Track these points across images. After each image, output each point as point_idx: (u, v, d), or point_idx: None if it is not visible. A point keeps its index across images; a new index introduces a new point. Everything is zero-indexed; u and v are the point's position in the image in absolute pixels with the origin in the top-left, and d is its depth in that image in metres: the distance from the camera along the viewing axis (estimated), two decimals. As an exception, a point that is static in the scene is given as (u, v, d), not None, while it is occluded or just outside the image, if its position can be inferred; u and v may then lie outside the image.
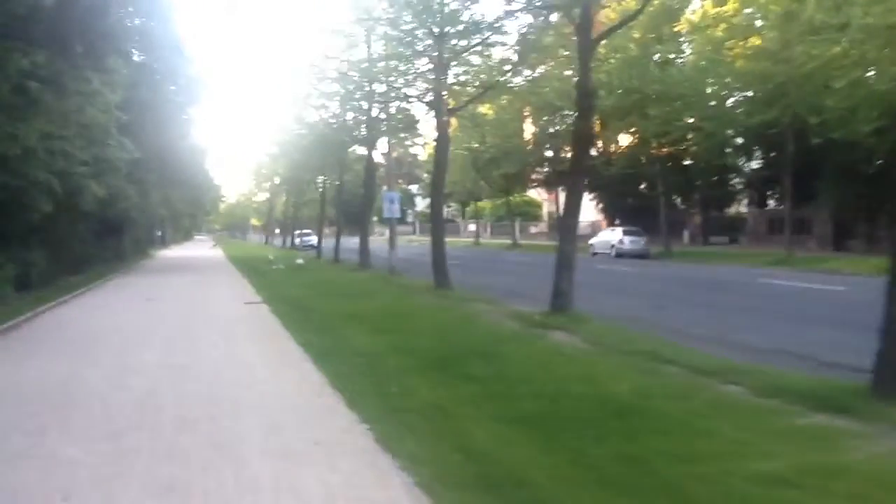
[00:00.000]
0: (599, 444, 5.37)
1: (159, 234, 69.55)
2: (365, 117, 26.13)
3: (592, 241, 37.29)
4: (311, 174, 41.40)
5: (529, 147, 45.83)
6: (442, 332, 10.63)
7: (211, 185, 68.02)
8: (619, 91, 31.46)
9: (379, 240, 70.37)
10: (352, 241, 41.33)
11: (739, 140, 39.22)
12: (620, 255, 33.19)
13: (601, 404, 6.42)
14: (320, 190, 41.44)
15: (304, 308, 14.65)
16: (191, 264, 37.04)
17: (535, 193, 66.30)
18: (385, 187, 31.77)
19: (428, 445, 5.45)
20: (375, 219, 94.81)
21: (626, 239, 33.77)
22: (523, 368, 7.98)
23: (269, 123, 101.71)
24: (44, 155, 15.66)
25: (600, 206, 51.56)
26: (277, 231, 77.02)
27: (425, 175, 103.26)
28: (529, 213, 65.29)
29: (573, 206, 12.00)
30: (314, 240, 55.57)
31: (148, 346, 10.52)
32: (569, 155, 45.65)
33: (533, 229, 65.69)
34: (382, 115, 25.16)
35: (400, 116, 23.16)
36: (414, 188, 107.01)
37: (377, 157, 30.74)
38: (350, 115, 27.87)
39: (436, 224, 18.40)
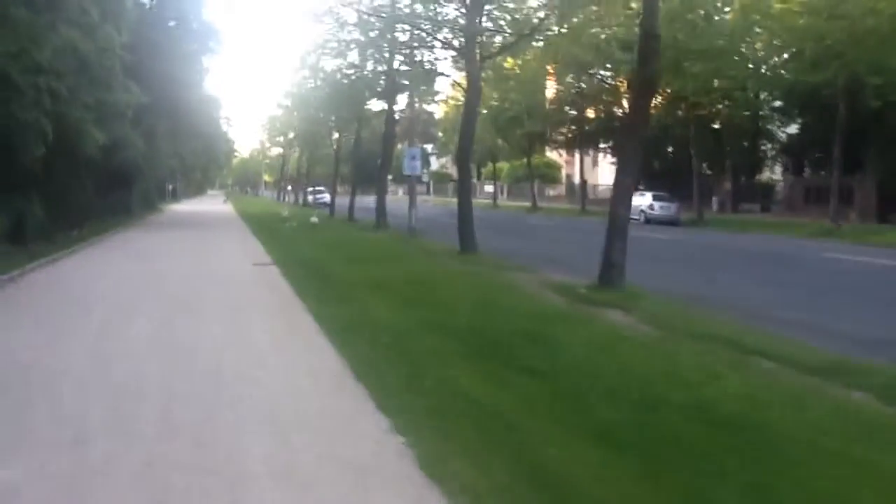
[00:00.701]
0: (721, 480, 3.99)
1: (170, 187, 68.30)
2: (385, 68, 24.50)
3: None
4: (325, 129, 39.77)
5: (552, 106, 43.92)
6: (479, 306, 9.23)
7: (224, 139, 66.56)
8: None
9: (392, 199, 69.08)
10: (364, 200, 39.95)
11: (777, 103, 37.33)
12: (649, 221, 31.53)
13: (701, 414, 5.01)
14: (335, 146, 39.73)
15: (320, 272, 13.28)
16: (200, 220, 35.77)
17: (555, 155, 64.37)
18: (405, 143, 30.27)
19: (490, 473, 4.08)
20: (390, 177, 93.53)
21: (657, 204, 32.02)
22: (587, 358, 6.58)
23: (284, 75, 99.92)
24: (30, 91, 14.19)
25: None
26: (289, 188, 75.61)
27: (440, 134, 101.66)
28: (548, 175, 63.41)
29: (629, 164, 10.51)
30: (327, 197, 54.21)
31: (140, 317, 9.17)
32: (592, 115, 44.05)
33: (551, 192, 63.90)
34: (405, 66, 23.51)
35: (427, 66, 21.46)
36: (429, 147, 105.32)
37: (397, 111, 29.18)
38: (370, 66, 26.22)
39: (463, 184, 16.90)
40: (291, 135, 60.03)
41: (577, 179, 68.67)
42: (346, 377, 6.16)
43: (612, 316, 8.90)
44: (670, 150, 40.79)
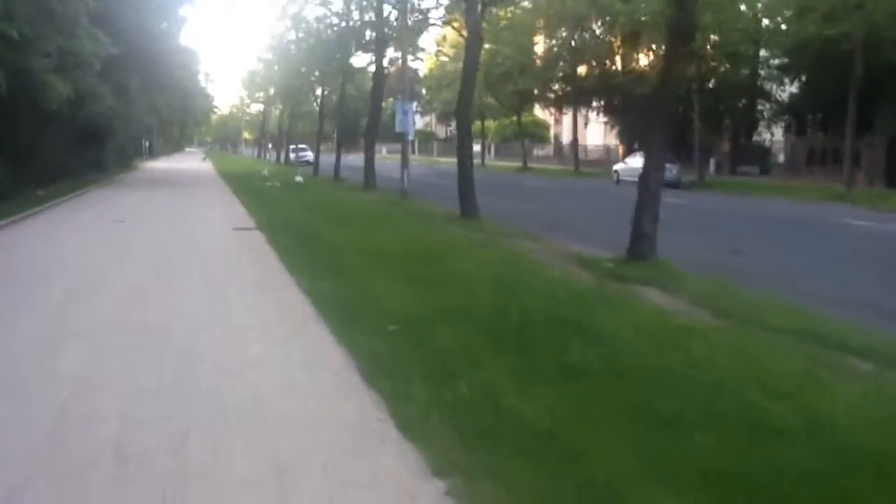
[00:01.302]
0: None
1: (147, 144, 66.14)
2: (373, 16, 22.88)
3: (617, 167, 34.03)
4: (308, 84, 37.93)
5: (544, 63, 42.22)
6: (497, 283, 7.98)
7: (202, 94, 64.22)
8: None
9: (377, 158, 67.34)
10: (348, 159, 38.41)
11: (776, 61, 35.99)
12: None
13: (835, 457, 3.75)
14: (318, 102, 37.90)
15: (308, 238, 11.97)
16: (177, 178, 34.09)
17: (544, 114, 62.80)
18: (391, 100, 28.75)
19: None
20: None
21: None
22: (646, 354, 5.37)
23: (265, 26, 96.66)
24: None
25: (615, 129, 48.32)
26: (270, 146, 73.53)
27: (423, 91, 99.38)
28: (536, 134, 61.84)
29: (663, 122, 9.22)
30: (310, 155, 52.50)
31: (103, 293, 7.86)
32: (584, 72, 42.38)
33: (539, 152, 62.41)
34: (395, 15, 21.91)
35: (417, 15, 19.88)
36: (413, 105, 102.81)
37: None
38: (356, 15, 24.56)
39: (463, 143, 15.54)
40: (272, 91, 57.99)
41: (565, 139, 67.52)
42: (352, 381, 4.90)
43: (654, 297, 7.70)
44: (681, 109, 39.29)
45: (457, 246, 11.15)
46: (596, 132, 62.03)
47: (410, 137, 29.36)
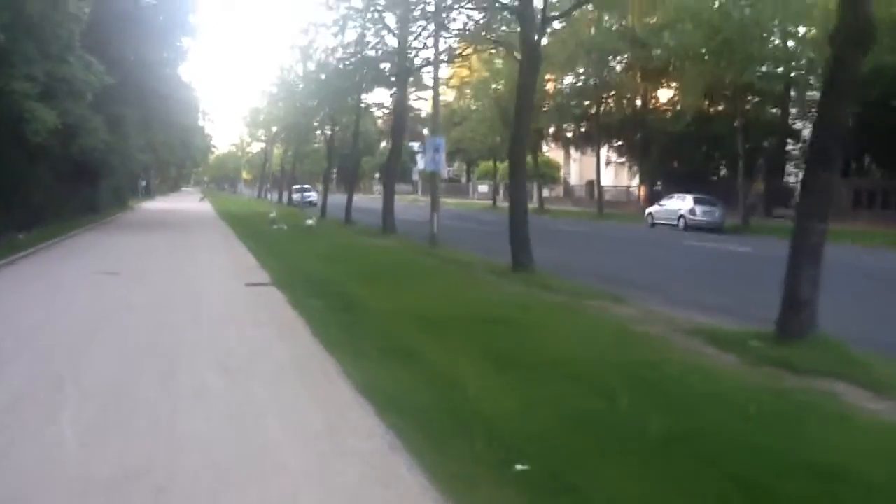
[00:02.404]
0: None
1: (143, 183, 64.08)
2: (396, 45, 20.89)
3: (652, 209, 31.86)
4: (316, 120, 35.88)
5: (566, 100, 40.30)
6: (628, 376, 5.69)
7: (201, 133, 62.34)
8: (688, 27, 26.36)
9: (373, 199, 65.03)
10: (339, 199, 36.23)
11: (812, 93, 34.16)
12: (690, 227, 28.06)
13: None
14: (325, 140, 35.72)
15: (338, 299, 9.69)
16: (176, 220, 31.85)
17: (554, 153, 61.01)
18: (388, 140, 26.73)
19: None
20: (377, 175, 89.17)
21: (699, 208, 28.34)
22: None
23: (270, 63, 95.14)
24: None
25: (631, 169, 46.37)
26: (267, 185, 71.47)
27: (425, 131, 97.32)
28: (547, 174, 59.84)
29: (829, 158, 6.98)
30: (314, 196, 50.52)
31: (74, 393, 5.51)
32: (605, 109, 40.24)
33: (547, 192, 60.42)
34: (420, 42, 19.91)
35: (455, 36, 17.79)
36: (415, 145, 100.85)
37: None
38: (372, 41, 22.58)
39: (517, 182, 13.18)
40: (274, 129, 56.22)
41: (573, 180, 65.60)
42: None
43: (867, 402, 5.40)
44: (704, 148, 37.48)
45: (530, 310, 8.86)
46: (606, 173, 60.08)
47: (415, 178, 27.56)
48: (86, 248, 17.32)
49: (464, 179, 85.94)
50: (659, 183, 41.05)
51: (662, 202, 30.55)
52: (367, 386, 5.58)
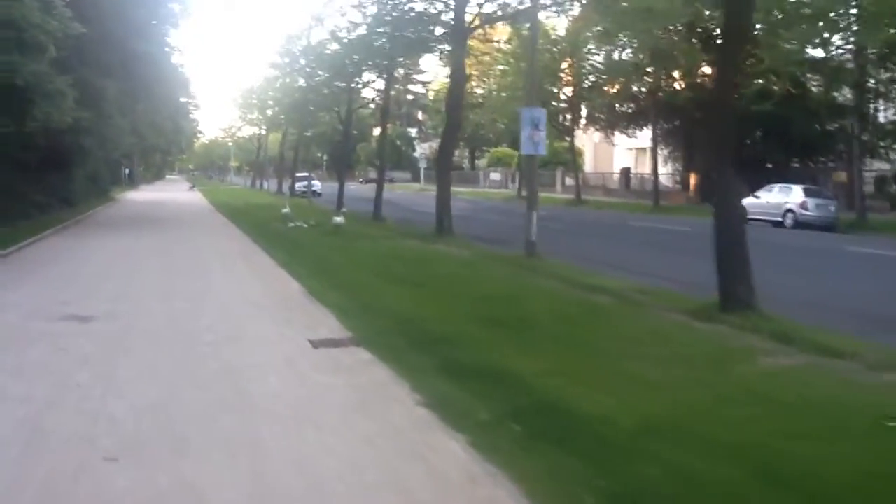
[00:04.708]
0: None
1: (127, 171, 58.84)
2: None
3: (744, 202, 26.83)
4: (329, 98, 30.74)
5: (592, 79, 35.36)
6: None
7: (187, 117, 57.10)
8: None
9: (368, 188, 59.85)
10: (349, 189, 31.52)
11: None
12: (800, 224, 23.35)
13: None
14: (340, 117, 30.45)
15: (512, 392, 5.11)
16: (169, 215, 26.89)
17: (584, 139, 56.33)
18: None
19: None
20: (377, 163, 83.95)
21: (811, 202, 23.34)
22: None
23: (273, 33, 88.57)
24: None
25: (670, 153, 41.53)
26: (262, 174, 66.17)
27: (420, 116, 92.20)
28: (569, 161, 54.97)
29: None
30: (317, 185, 45.65)
31: None
32: (670, 86, 35.05)
33: (569, 181, 55.70)
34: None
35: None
36: (412, 131, 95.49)
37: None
38: None
39: (725, 183, 8.51)
40: (272, 110, 51.11)
41: (587, 167, 60.84)
42: None
43: None
44: (759, 133, 32.80)
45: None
46: (625, 159, 55.38)
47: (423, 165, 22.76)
48: (50, 263, 12.46)
49: (466, 166, 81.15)
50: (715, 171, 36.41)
51: (758, 194, 25.66)
52: None
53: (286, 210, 21.51)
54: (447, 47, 18.57)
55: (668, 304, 8.62)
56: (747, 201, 25.96)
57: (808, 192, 23.80)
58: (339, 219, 18.71)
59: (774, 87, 28.56)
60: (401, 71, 53.77)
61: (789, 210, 23.84)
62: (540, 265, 12.05)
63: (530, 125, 12.86)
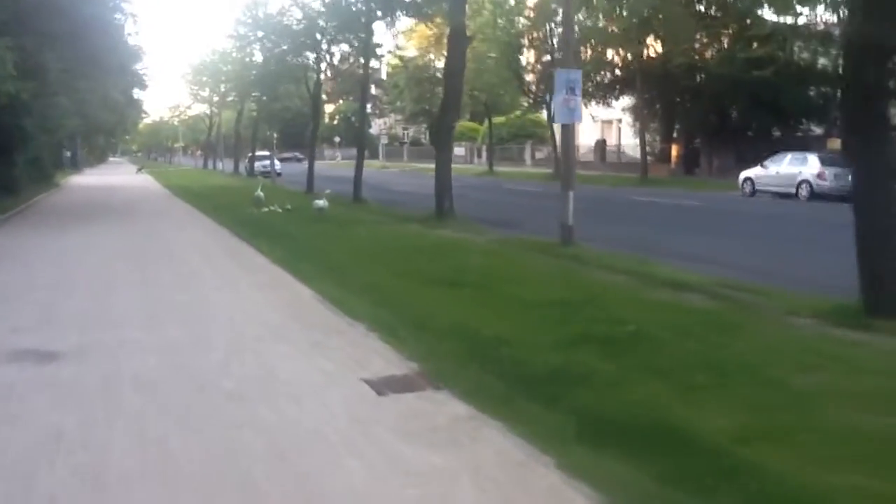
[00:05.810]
0: None
1: (69, 154, 55.34)
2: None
3: (751, 174, 24.94)
4: (295, 70, 28.42)
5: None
6: None
7: (132, 99, 53.64)
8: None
9: (330, 165, 57.64)
10: (303, 166, 29.41)
11: None
12: (815, 196, 21.99)
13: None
14: (310, 89, 28.12)
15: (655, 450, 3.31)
16: (121, 201, 24.44)
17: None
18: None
19: None
20: (337, 140, 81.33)
21: (829, 171, 21.41)
22: None
23: (232, 3, 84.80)
24: None
25: (652, 125, 40.05)
26: (198, 153, 62.95)
27: (374, 91, 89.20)
28: (536, 134, 53.38)
29: None
30: (277, 165, 43.14)
31: None
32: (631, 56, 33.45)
33: (538, 154, 54.13)
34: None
35: None
36: (367, 107, 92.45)
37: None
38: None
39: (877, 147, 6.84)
40: (223, 87, 48.34)
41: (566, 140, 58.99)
42: None
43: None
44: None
45: None
46: (591, 131, 53.90)
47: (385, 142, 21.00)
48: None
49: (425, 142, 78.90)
50: (698, 141, 35.15)
51: (766, 164, 24.17)
52: None
53: (259, 193, 19.37)
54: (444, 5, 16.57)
55: (786, 306, 6.99)
56: (757, 172, 24.89)
57: (824, 161, 22.22)
58: (321, 202, 16.73)
59: (767, 56, 27.31)
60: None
61: (804, 181, 22.39)
62: (583, 254, 10.33)
63: (565, 89, 11.04)
